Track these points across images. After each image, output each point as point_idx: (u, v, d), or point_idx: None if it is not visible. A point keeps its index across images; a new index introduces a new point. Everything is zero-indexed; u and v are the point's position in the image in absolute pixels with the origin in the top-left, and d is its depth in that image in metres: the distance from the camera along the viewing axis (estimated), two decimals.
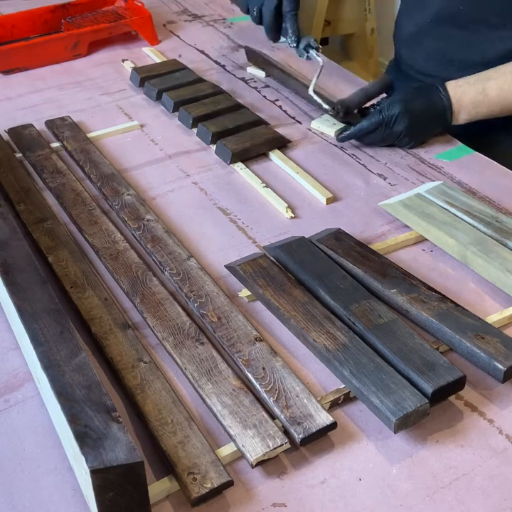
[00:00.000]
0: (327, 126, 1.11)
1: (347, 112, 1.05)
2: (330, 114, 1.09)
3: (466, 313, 0.74)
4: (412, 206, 0.91)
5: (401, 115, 1.02)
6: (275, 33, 1.11)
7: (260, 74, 1.29)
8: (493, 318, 0.76)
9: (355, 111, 1.07)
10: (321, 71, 1.09)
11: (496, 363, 0.68)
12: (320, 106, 1.05)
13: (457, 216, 0.89)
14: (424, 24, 1.16)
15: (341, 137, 1.07)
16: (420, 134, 1.06)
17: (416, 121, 1.03)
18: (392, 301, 0.77)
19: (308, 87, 1.10)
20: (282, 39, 1.11)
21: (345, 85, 1.26)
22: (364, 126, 1.04)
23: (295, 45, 1.09)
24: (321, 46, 1.10)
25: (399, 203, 0.93)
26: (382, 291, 0.78)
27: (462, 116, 1.04)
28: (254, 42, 1.41)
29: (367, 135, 1.06)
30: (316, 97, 1.06)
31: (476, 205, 0.90)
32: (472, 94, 1.02)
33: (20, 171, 1.01)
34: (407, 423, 0.63)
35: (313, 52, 1.09)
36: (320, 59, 1.09)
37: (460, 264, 0.85)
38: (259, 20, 1.12)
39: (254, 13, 1.11)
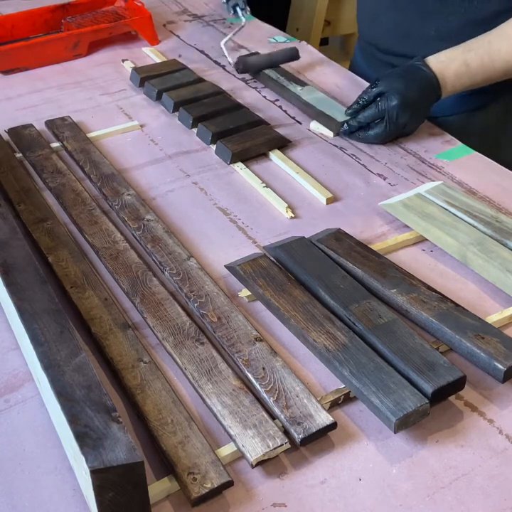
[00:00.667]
0: (326, 127, 1.11)
1: (245, 70, 1.22)
2: (231, 66, 1.26)
3: (466, 313, 0.74)
4: (412, 206, 0.91)
5: (401, 107, 1.02)
6: None
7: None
8: (493, 318, 0.76)
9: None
10: (240, 29, 1.30)
11: (496, 363, 0.68)
12: (226, 58, 1.24)
13: (457, 216, 0.89)
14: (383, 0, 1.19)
15: (343, 130, 1.08)
16: (421, 118, 1.08)
17: (415, 108, 1.04)
18: (392, 301, 0.77)
19: (299, 99, 1.16)
20: None
21: (345, 85, 1.26)
22: (361, 119, 1.05)
23: (225, 1, 1.32)
24: (248, 8, 1.32)
25: (399, 203, 0.93)
26: (382, 291, 0.78)
27: (447, 88, 1.05)
28: (255, 42, 1.41)
29: (370, 133, 1.06)
30: (224, 50, 1.24)
31: (476, 205, 0.90)
32: (454, 67, 1.04)
33: (20, 171, 1.01)
34: (407, 423, 0.63)
35: (239, 11, 1.31)
36: (244, 19, 1.31)
37: (460, 264, 0.85)
38: None
39: None
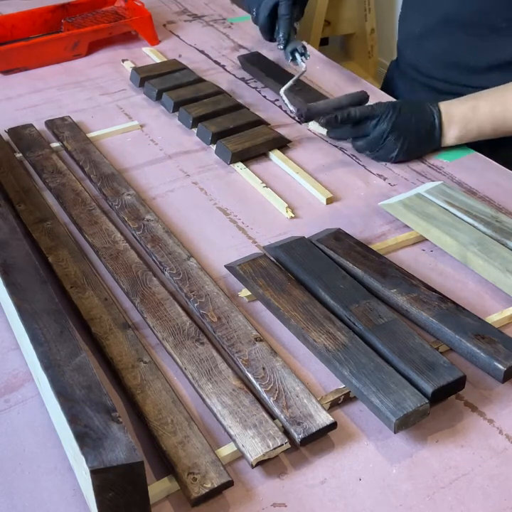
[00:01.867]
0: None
1: (309, 117, 1.03)
2: (292, 116, 1.12)
3: (466, 313, 0.74)
4: (412, 206, 0.91)
5: (395, 138, 1.00)
6: (269, 34, 1.18)
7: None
8: (493, 318, 0.76)
9: (321, 120, 1.02)
10: (300, 75, 1.12)
11: (496, 363, 0.68)
12: (286, 106, 1.07)
13: (457, 216, 0.89)
14: (431, 25, 1.15)
15: (328, 119, 1.01)
16: (411, 152, 1.03)
17: (408, 140, 1.01)
18: (392, 301, 0.77)
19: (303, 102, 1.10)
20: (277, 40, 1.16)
21: (346, 85, 1.26)
22: (352, 114, 1.00)
23: (282, 47, 1.14)
24: (309, 53, 1.14)
25: (399, 203, 0.93)
26: (382, 291, 0.78)
27: (452, 132, 1.02)
28: (255, 42, 1.41)
29: (359, 139, 1.03)
30: (285, 97, 1.07)
31: (476, 205, 0.90)
32: (463, 109, 1.01)
33: (20, 171, 1.01)
34: (407, 423, 0.63)
35: (298, 57, 1.13)
36: (304, 64, 1.13)
37: (460, 264, 0.85)
38: (256, 20, 1.18)
39: (254, 13, 1.18)
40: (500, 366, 0.68)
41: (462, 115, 1.01)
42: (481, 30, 1.09)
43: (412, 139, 1.02)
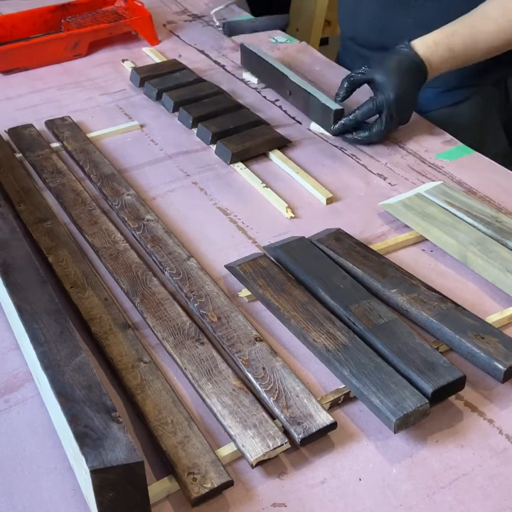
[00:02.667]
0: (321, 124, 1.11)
1: (231, 33, 1.26)
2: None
3: (466, 313, 0.74)
4: (412, 206, 0.91)
5: (399, 100, 1.02)
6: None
7: (254, 79, 1.28)
8: (493, 318, 0.76)
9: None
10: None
11: (495, 363, 0.68)
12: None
13: (457, 216, 0.89)
14: None
15: (336, 128, 1.07)
16: (414, 107, 1.08)
17: (411, 99, 1.05)
18: (392, 301, 0.77)
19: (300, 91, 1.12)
20: None
21: None
22: (358, 116, 1.05)
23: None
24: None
25: (399, 203, 0.93)
26: (382, 291, 0.78)
27: (432, 73, 1.06)
28: (255, 42, 1.41)
29: (372, 131, 1.05)
30: (214, 17, 1.35)
31: (476, 205, 0.90)
32: (440, 52, 1.04)
33: (20, 171, 1.01)
34: (407, 423, 0.63)
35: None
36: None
37: (460, 264, 0.85)
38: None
39: None
40: (500, 366, 0.68)
41: (440, 57, 1.05)
42: None
43: (414, 101, 1.06)
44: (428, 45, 1.05)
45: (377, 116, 1.05)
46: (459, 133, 1.11)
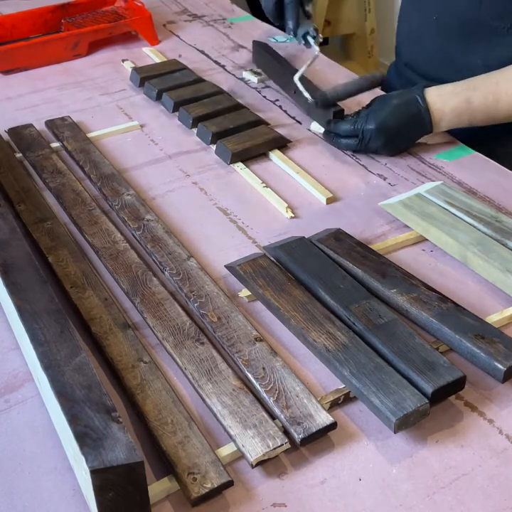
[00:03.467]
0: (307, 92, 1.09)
1: (325, 104, 1.05)
2: (310, 103, 1.09)
3: (466, 313, 0.74)
4: (412, 206, 0.91)
5: (376, 132, 1.02)
6: (278, 20, 1.14)
7: (254, 79, 1.28)
8: (493, 318, 0.76)
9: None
10: (313, 60, 1.10)
11: (496, 363, 0.68)
12: (301, 94, 1.05)
13: (457, 216, 0.89)
14: (427, 23, 1.15)
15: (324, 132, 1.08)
16: (397, 147, 1.06)
17: (391, 137, 1.03)
18: (392, 301, 0.77)
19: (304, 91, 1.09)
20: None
21: None
22: (337, 129, 1.05)
23: (293, 33, 1.11)
24: (321, 36, 1.11)
25: (399, 203, 0.93)
26: (382, 291, 0.78)
27: (443, 123, 1.03)
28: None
29: (342, 142, 1.06)
30: (299, 85, 1.05)
31: (476, 205, 0.90)
32: (454, 103, 1.01)
33: (20, 171, 1.01)
34: (407, 423, 0.63)
35: (310, 40, 1.10)
36: (316, 48, 1.09)
37: (460, 264, 0.85)
38: (265, 7, 1.14)
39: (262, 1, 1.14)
40: (500, 366, 0.68)
41: (454, 108, 1.01)
42: (475, 28, 1.09)
43: (405, 143, 1.05)
44: (442, 94, 1.01)
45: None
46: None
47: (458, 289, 0.82)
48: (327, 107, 1.04)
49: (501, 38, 1.08)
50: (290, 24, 1.11)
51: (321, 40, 1.11)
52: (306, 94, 1.03)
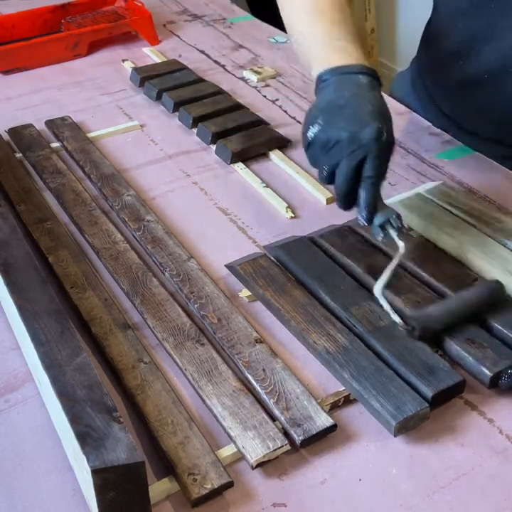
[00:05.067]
0: None
1: (424, 331, 0.72)
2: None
3: None
4: (412, 206, 0.91)
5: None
6: (350, 201, 0.78)
7: (253, 78, 1.28)
8: None
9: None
10: (398, 261, 0.76)
11: (482, 368, 0.68)
12: (388, 314, 0.74)
13: (457, 216, 0.89)
14: (478, 76, 1.02)
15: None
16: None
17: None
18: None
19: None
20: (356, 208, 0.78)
21: None
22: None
23: (365, 221, 0.77)
24: (406, 226, 0.85)
25: (399, 203, 0.93)
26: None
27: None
28: (255, 42, 1.41)
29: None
30: (383, 302, 0.74)
31: (476, 205, 0.90)
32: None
33: (20, 171, 1.01)
34: (407, 427, 0.63)
35: (392, 232, 0.76)
36: (402, 243, 0.76)
37: None
38: (329, 181, 0.78)
39: (324, 172, 0.77)
40: (486, 372, 0.67)
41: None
42: None
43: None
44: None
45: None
46: None
47: None
48: (425, 336, 0.72)
49: None
50: (365, 209, 0.76)
51: (404, 230, 0.79)
52: (395, 317, 0.73)
